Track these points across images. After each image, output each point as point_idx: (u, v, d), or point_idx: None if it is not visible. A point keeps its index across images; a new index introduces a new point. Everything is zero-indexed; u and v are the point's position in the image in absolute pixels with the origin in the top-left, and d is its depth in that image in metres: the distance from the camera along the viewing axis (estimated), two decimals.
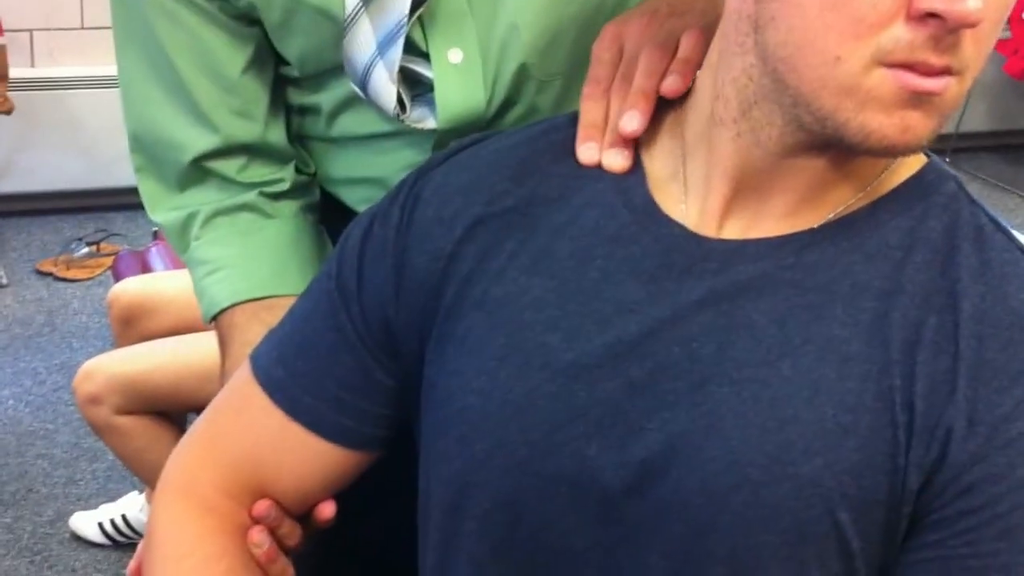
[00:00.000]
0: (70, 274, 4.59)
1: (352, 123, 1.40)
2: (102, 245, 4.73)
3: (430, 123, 1.31)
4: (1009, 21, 5.52)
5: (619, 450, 0.97)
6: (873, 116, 0.88)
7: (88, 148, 4.86)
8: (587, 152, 1.09)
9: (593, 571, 1.00)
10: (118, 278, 3.26)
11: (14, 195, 4.94)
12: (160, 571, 1.13)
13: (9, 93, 4.36)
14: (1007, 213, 5.68)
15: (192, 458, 1.18)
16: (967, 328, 0.93)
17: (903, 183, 1.01)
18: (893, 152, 0.91)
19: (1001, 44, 5.72)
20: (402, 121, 1.30)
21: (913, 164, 1.03)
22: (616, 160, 1.08)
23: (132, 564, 1.21)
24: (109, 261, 4.36)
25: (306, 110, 1.45)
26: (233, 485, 1.16)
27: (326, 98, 1.39)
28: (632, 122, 1.08)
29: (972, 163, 6.19)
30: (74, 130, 4.88)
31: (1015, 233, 1.03)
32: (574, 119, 1.13)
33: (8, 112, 4.34)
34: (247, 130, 1.41)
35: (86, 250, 4.69)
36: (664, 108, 1.11)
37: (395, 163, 1.36)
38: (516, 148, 1.12)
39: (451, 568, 1.08)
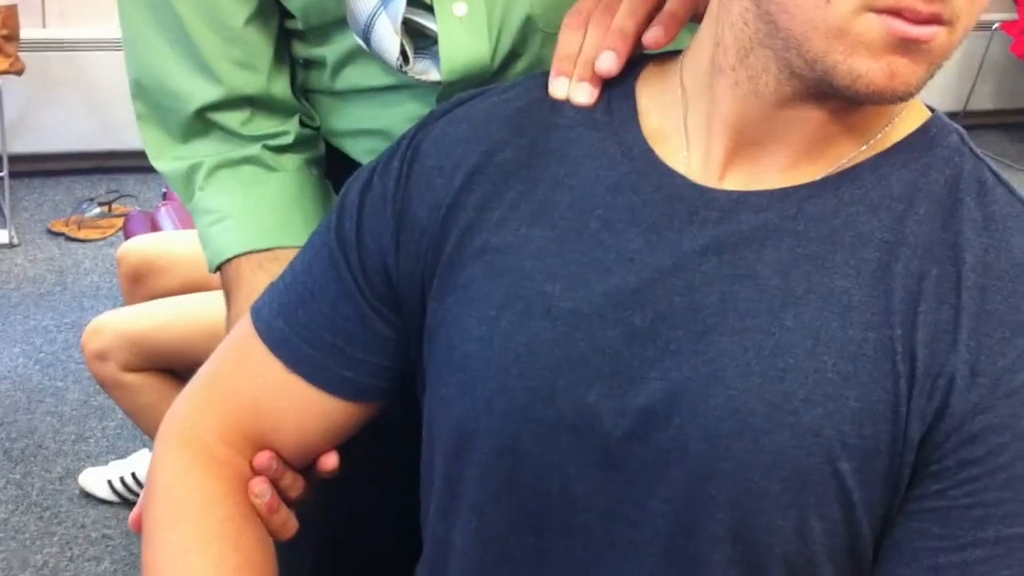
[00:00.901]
0: (82, 234, 4.60)
1: (356, 76, 1.38)
2: (114, 206, 4.75)
3: (434, 75, 1.29)
4: (1016, 2, 5.63)
5: (619, 397, 0.97)
6: (861, 60, 0.88)
7: (100, 109, 4.87)
8: (558, 86, 1.10)
9: (594, 516, 1.00)
10: (129, 238, 3.26)
11: (26, 155, 4.96)
12: (159, 516, 1.12)
13: (20, 53, 4.36)
14: None
15: (193, 407, 1.18)
16: (969, 280, 0.93)
17: (906, 137, 1.01)
18: (881, 98, 0.90)
19: (1008, 25, 5.92)
20: (405, 73, 1.29)
21: (917, 118, 1.02)
22: (582, 94, 1.09)
23: (133, 513, 1.20)
24: (121, 222, 4.37)
25: (311, 63, 1.44)
26: (234, 435, 1.15)
27: (330, 51, 1.38)
28: (607, 62, 1.09)
29: (978, 140, 6.00)
30: (86, 91, 4.89)
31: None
32: None
33: (19, 72, 4.34)
34: (250, 82, 1.39)
35: (98, 210, 4.70)
36: (663, 59, 1.11)
37: (399, 115, 1.35)
38: (514, 99, 1.12)
39: (453, 514, 1.08)
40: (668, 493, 0.96)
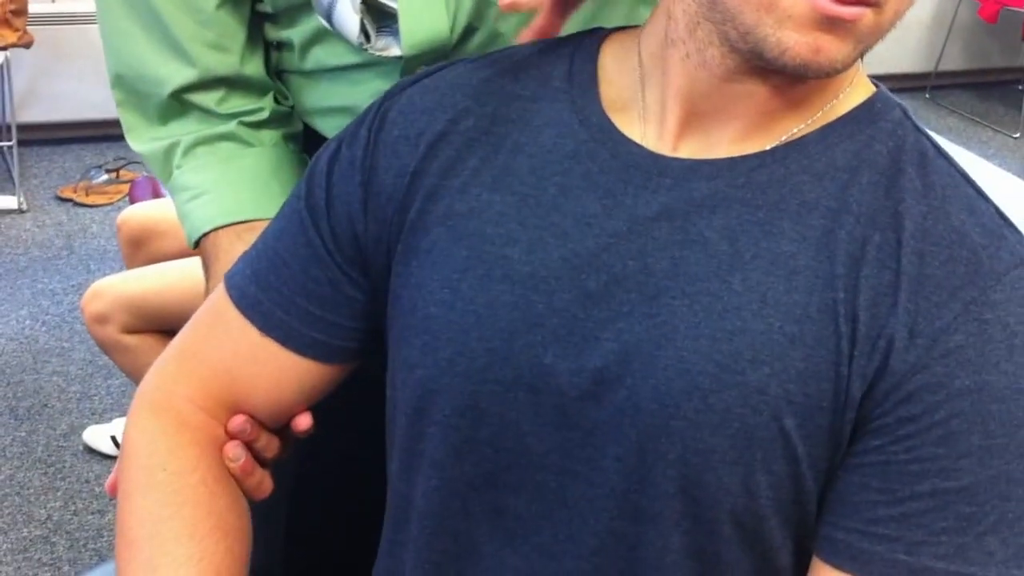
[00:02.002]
0: (89, 200, 4.61)
1: (323, 55, 1.39)
2: (121, 172, 4.75)
3: (395, 51, 1.30)
4: None
5: (574, 358, 0.98)
6: (789, 34, 0.89)
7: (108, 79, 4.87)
8: None
9: (550, 473, 1.01)
10: (134, 203, 3.25)
11: (35, 124, 4.98)
12: (132, 482, 1.12)
13: (30, 27, 4.36)
14: (980, 144, 6.00)
15: (166, 375, 1.17)
16: (909, 245, 0.94)
17: (851, 110, 1.02)
18: (807, 71, 0.91)
19: None
20: (367, 51, 1.29)
21: (862, 93, 1.03)
22: None
23: (110, 480, 1.20)
24: (128, 188, 4.37)
25: (282, 44, 1.44)
26: (208, 400, 1.15)
27: (297, 32, 1.38)
28: None
29: (949, 99, 6.56)
30: (94, 62, 4.86)
31: (986, 162, 1.02)
32: (535, 45, 1.14)
33: (27, 45, 4.35)
34: (224, 63, 1.40)
35: (105, 177, 4.71)
36: (624, 32, 1.11)
37: (365, 92, 1.34)
38: (478, 70, 1.12)
39: (415, 471, 1.08)
40: (621, 451, 0.97)
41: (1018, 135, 6.18)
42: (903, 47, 6.08)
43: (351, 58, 1.35)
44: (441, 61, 1.23)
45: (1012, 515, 0.91)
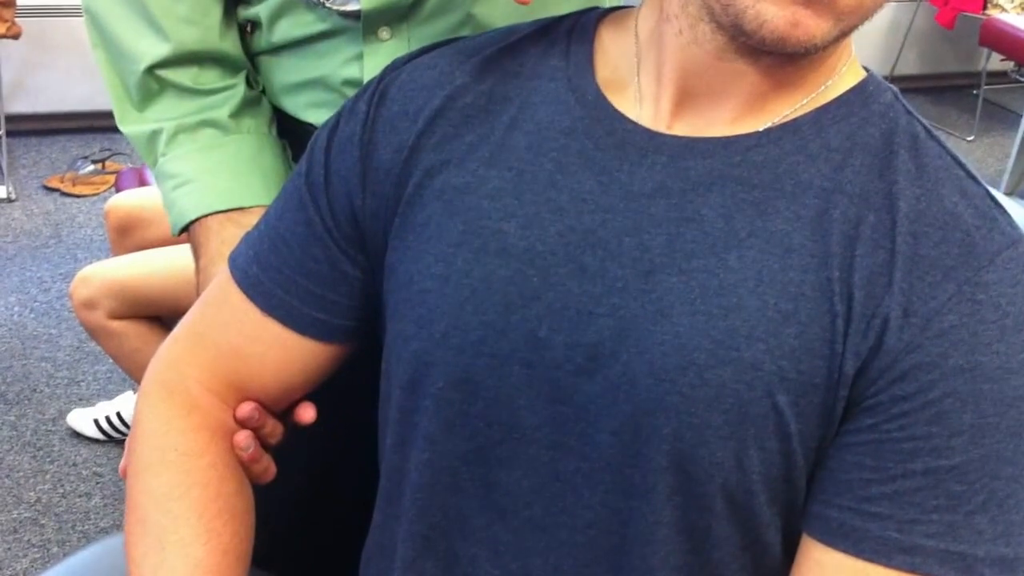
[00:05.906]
0: (76, 190, 4.60)
1: (289, 28, 1.39)
2: (107, 163, 4.75)
3: (353, 5, 1.31)
4: None
5: (569, 332, 0.97)
6: (768, 7, 0.87)
7: (94, 71, 4.83)
8: None
9: (542, 448, 1.00)
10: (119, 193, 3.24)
11: (24, 115, 4.96)
12: (144, 462, 1.11)
13: (18, 19, 4.33)
14: None
15: (176, 356, 1.17)
16: (903, 226, 0.93)
17: (844, 93, 1.01)
18: (784, 45, 0.89)
19: None
20: (323, 4, 1.31)
21: (853, 77, 1.02)
22: None
23: (122, 463, 1.19)
24: (113, 178, 4.38)
25: (252, 24, 1.45)
26: (216, 382, 1.15)
27: (264, 8, 1.39)
28: None
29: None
30: (81, 54, 4.86)
31: None
32: (534, 24, 1.13)
33: (16, 37, 4.32)
34: (196, 37, 1.40)
35: (91, 168, 4.70)
36: (622, 11, 1.10)
37: (333, 62, 1.37)
38: (478, 49, 1.11)
39: (408, 444, 1.07)
40: (615, 426, 0.95)
41: (971, 138, 6.20)
42: (860, 51, 5.94)
43: (316, 27, 1.36)
44: (398, 20, 1.27)
45: (1001, 493, 0.90)
